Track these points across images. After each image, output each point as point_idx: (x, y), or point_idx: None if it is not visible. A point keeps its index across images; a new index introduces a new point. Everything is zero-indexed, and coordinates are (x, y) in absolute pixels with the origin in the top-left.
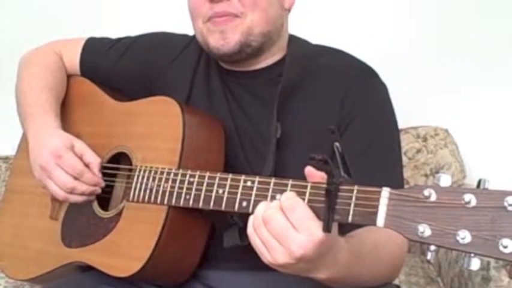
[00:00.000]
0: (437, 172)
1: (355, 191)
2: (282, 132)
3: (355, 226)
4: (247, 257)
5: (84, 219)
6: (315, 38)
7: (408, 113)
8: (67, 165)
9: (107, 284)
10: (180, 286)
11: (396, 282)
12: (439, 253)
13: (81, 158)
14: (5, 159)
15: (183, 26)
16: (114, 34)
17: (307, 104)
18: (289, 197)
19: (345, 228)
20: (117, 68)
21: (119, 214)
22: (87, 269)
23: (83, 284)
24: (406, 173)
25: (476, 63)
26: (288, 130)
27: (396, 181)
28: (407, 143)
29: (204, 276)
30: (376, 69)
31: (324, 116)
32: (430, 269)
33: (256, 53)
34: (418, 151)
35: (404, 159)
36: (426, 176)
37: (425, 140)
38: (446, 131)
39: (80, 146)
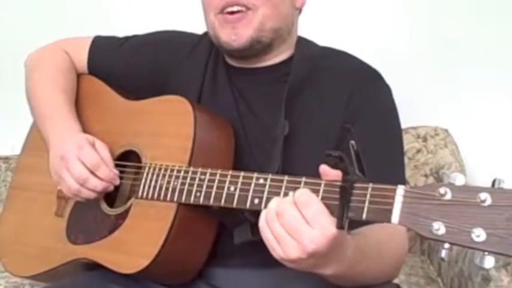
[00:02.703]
0: (437, 172)
1: (369, 189)
2: (289, 129)
3: (359, 224)
4: (255, 253)
5: (90, 216)
6: (315, 38)
7: (408, 113)
8: (85, 156)
9: (113, 282)
10: (185, 285)
11: (396, 282)
12: (438, 253)
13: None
14: (5, 159)
15: (191, 25)
16: (119, 32)
17: (313, 103)
18: (303, 193)
19: (350, 226)
20: (127, 67)
21: (127, 211)
22: (92, 267)
23: (89, 282)
24: (406, 173)
25: (476, 63)
26: (295, 128)
27: (398, 181)
28: (407, 143)
29: (209, 275)
30: (377, 68)
31: (328, 116)
32: (430, 269)
33: (266, 49)
34: (418, 151)
35: (405, 159)
36: (426, 176)
37: (425, 140)
38: (446, 131)
39: (101, 144)
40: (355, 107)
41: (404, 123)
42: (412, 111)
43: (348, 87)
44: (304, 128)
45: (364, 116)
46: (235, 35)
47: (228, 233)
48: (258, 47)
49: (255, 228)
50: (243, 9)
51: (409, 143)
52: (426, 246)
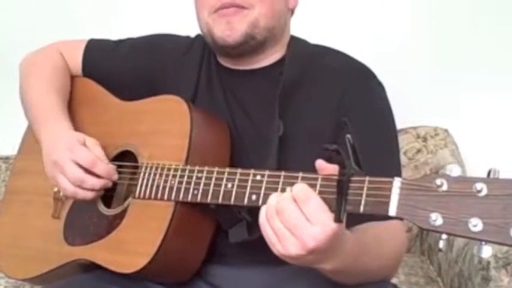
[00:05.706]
0: (437, 172)
1: (366, 182)
2: (283, 130)
3: (358, 221)
4: (253, 252)
5: (88, 217)
6: (313, 37)
7: (408, 113)
8: (78, 157)
9: (110, 283)
10: (184, 285)
11: (396, 282)
12: (439, 253)
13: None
14: (5, 159)
15: (185, 28)
16: (116, 33)
17: (307, 103)
18: (302, 188)
19: (348, 224)
20: (121, 69)
21: (124, 211)
22: (90, 269)
23: (85, 283)
24: (406, 173)
25: (476, 63)
26: (290, 128)
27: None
28: (407, 143)
29: (208, 273)
30: (376, 69)
31: (322, 115)
32: (430, 269)
33: (260, 47)
34: (418, 151)
35: (405, 159)
36: None
37: (425, 140)
38: (446, 131)
39: (92, 141)
40: (347, 106)
41: (404, 123)
42: (412, 111)
43: (341, 86)
44: (298, 128)
45: (356, 114)
46: (230, 30)
47: (225, 232)
48: (252, 44)
49: (251, 227)
50: (238, 9)
51: (409, 143)
52: (426, 246)
